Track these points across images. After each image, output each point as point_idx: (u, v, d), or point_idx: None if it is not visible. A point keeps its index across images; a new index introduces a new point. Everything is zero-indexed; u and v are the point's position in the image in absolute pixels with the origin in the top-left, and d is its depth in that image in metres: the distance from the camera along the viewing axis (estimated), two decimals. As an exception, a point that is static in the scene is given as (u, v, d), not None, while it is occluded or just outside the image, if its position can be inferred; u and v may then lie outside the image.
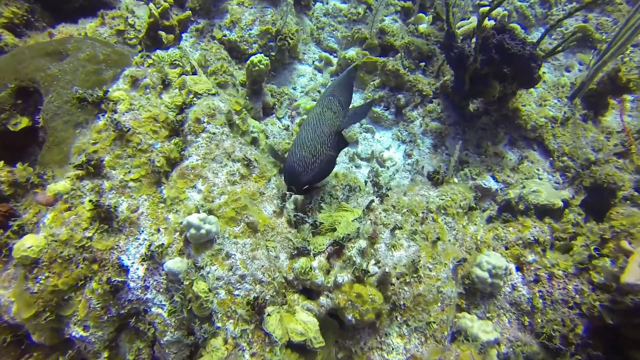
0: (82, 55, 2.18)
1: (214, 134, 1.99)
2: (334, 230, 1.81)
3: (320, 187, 2.44)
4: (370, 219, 1.89)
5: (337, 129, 2.14)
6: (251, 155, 2.01)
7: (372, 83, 4.04)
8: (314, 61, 4.47)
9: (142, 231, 1.78)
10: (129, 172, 1.83)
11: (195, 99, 2.04)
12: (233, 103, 2.12)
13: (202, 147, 1.96)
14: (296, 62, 4.40)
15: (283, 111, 3.84)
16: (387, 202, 1.95)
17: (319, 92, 4.18)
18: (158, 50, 2.20)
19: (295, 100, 3.93)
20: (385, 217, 1.88)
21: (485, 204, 3.35)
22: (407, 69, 3.90)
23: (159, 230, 1.76)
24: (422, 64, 4.04)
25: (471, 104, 3.65)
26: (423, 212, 1.85)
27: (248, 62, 3.42)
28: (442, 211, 1.87)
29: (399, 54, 4.02)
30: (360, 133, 3.90)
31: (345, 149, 3.86)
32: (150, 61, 2.06)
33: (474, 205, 1.93)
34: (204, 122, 2.00)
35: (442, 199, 1.90)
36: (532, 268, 1.89)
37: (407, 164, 3.67)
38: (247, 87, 3.54)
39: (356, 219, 1.88)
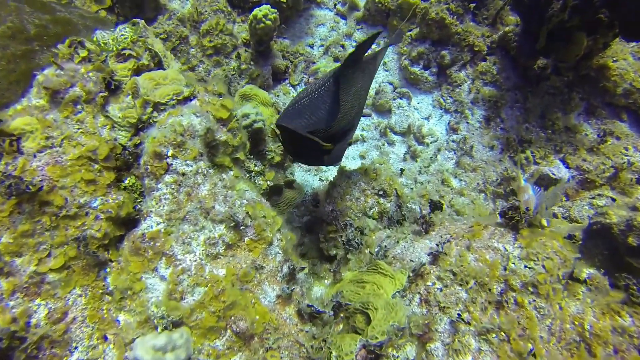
0: None
1: (183, 175, 1.31)
2: (365, 313, 1.22)
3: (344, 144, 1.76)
4: (419, 293, 1.27)
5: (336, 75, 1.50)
6: (241, 206, 1.34)
7: (408, 34, 3.16)
8: (335, 4, 3.55)
9: (76, 347, 1.16)
10: (48, 256, 1.17)
11: (155, 113, 1.36)
12: (217, 108, 1.41)
13: (165, 199, 1.29)
14: (314, 6, 3.49)
15: (298, 76, 3.07)
16: (444, 263, 1.32)
17: (342, 46, 3.34)
18: (98, 32, 1.47)
19: (314, 63, 3.13)
20: (441, 293, 1.26)
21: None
22: (454, 15, 2.98)
23: (105, 338, 1.19)
24: (472, 5, 3.07)
25: (539, 61, 2.77)
26: (500, 287, 1.21)
27: (251, 16, 2.61)
28: (530, 289, 1.21)
29: (445, -6, 3.06)
30: (394, 99, 3.12)
31: (376, 120, 3.12)
32: (84, 53, 1.34)
33: (578, 276, 1.25)
34: (168, 157, 1.30)
35: (528, 266, 1.23)
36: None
37: (452, 140, 2.93)
38: (252, 47, 2.77)
39: (398, 292, 1.28)
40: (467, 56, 2.95)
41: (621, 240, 1.76)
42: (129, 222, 1.31)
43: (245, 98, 2.69)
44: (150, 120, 1.36)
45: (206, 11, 2.80)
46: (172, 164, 1.30)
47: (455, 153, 2.88)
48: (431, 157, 2.86)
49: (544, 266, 1.21)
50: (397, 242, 1.53)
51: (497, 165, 2.74)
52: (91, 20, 1.88)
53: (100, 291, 1.22)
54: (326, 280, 1.68)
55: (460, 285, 1.25)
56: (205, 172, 1.33)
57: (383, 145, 2.97)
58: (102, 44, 1.39)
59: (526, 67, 2.78)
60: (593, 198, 2.46)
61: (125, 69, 1.39)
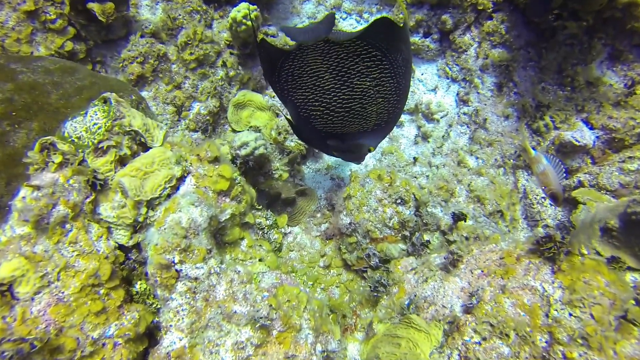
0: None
1: (196, 279, 1.20)
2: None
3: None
4: (457, 349, 1.20)
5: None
6: (263, 301, 1.21)
7: (402, -2, 2.81)
8: (317, -27, 3.16)
9: None
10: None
11: (150, 212, 1.22)
12: (215, 181, 1.23)
13: (183, 310, 1.19)
14: (295, -21, 3.12)
15: (290, 69, 2.81)
16: (479, 312, 1.23)
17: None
18: (68, 125, 1.26)
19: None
20: (481, 348, 1.18)
21: (576, 162, 2.46)
22: (452, -32, 2.61)
23: None
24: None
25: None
26: (545, 339, 1.12)
27: (230, 20, 2.34)
28: (580, 340, 1.11)
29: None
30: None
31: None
32: (59, 159, 1.14)
33: (633, 320, 1.14)
34: (175, 265, 1.20)
35: (574, 315, 1.12)
36: None
37: (463, 113, 2.71)
38: (237, 50, 2.52)
39: (436, 349, 1.21)
40: (470, 17, 2.63)
41: (664, 232, 1.63)
42: (149, 333, 1.25)
43: (239, 107, 2.50)
44: (148, 221, 1.24)
45: (180, 15, 2.52)
46: (181, 270, 1.20)
47: (468, 127, 2.68)
48: (443, 136, 2.67)
49: (592, 315, 1.11)
50: (426, 280, 1.44)
51: (514, 137, 2.54)
52: (58, 74, 1.70)
53: None
54: (358, 334, 1.62)
55: (500, 338, 1.17)
56: (219, 270, 1.23)
57: (391, 128, 2.78)
58: (76, 140, 1.22)
59: (539, 22, 2.47)
60: (623, 161, 2.28)
61: (107, 163, 1.24)
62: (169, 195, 1.27)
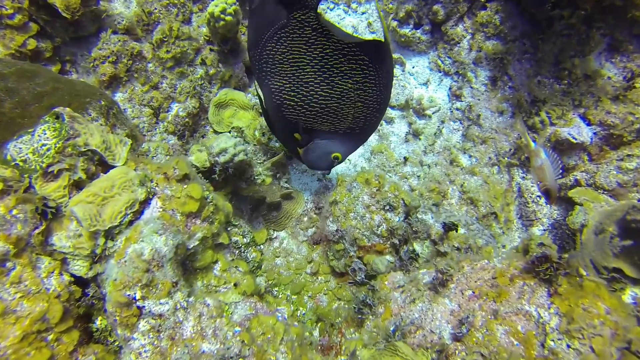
0: None
1: (160, 316, 1.10)
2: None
3: None
4: None
5: None
6: (235, 336, 1.09)
7: (392, -14, 2.65)
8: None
9: None
10: None
11: (109, 242, 1.10)
12: (183, 202, 1.11)
13: (145, 352, 1.06)
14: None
15: (275, 64, 2.66)
16: (469, 340, 1.14)
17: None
18: (11, 146, 1.09)
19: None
20: None
21: (572, 160, 2.36)
22: (444, -46, 2.45)
23: None
24: None
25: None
26: None
27: (207, 14, 2.18)
28: None
29: None
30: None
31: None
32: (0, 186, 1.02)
33: (637, 352, 1.05)
34: (137, 301, 1.08)
35: (572, 347, 1.01)
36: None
37: (456, 108, 2.59)
38: (216, 46, 2.37)
39: None
40: (463, 7, 2.48)
41: (665, 244, 1.55)
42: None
43: (221, 106, 2.38)
44: (107, 252, 1.13)
45: (156, 9, 2.35)
46: (144, 307, 1.10)
47: (461, 123, 2.56)
48: (435, 133, 2.55)
49: (592, 348, 1.02)
50: (414, 301, 1.36)
51: (509, 133, 2.43)
52: (13, 79, 1.55)
53: None
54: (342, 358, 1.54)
55: (494, 372, 1.10)
56: (186, 304, 1.13)
57: (381, 125, 2.66)
58: (21, 164, 1.10)
59: (536, 12, 2.33)
60: (621, 159, 2.18)
61: (60, 188, 1.12)
62: (130, 222, 1.16)
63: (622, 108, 2.27)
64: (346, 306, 1.75)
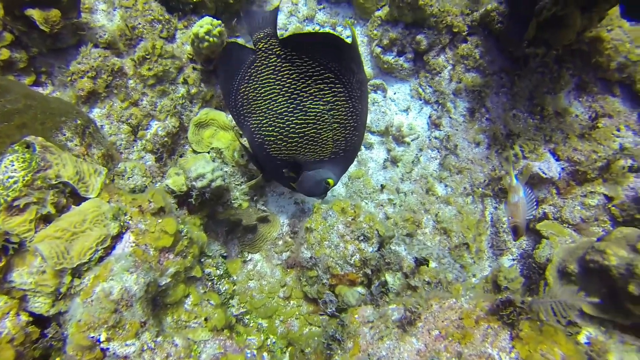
0: None
1: (125, 359, 1.07)
2: None
3: None
4: None
5: None
6: None
7: (377, 14, 2.72)
8: (291, -20, 3.02)
9: None
10: None
11: (76, 280, 1.07)
12: (156, 237, 1.11)
13: None
14: (266, -15, 2.98)
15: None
16: None
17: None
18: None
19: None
20: None
21: (542, 193, 2.45)
22: (428, -12, 2.53)
23: None
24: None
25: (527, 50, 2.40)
26: None
27: (191, 35, 2.18)
28: None
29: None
30: (368, 93, 2.79)
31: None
32: None
33: None
34: (101, 344, 1.04)
35: None
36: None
37: (434, 137, 2.66)
38: (199, 65, 2.37)
39: None
40: (445, 39, 2.56)
41: (621, 285, 1.63)
42: None
43: (201, 126, 2.37)
44: (72, 291, 1.11)
45: (140, 24, 2.34)
46: (108, 349, 1.08)
47: (439, 152, 2.63)
48: (413, 161, 2.61)
49: None
50: (382, 338, 1.39)
51: (484, 165, 2.52)
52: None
53: None
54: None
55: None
56: (153, 345, 1.12)
57: (360, 150, 2.71)
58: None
59: (513, 50, 2.43)
60: (584, 196, 2.29)
61: (25, 223, 1.09)
62: (101, 259, 1.14)
63: (587, 146, 2.38)
64: (317, 333, 1.77)
